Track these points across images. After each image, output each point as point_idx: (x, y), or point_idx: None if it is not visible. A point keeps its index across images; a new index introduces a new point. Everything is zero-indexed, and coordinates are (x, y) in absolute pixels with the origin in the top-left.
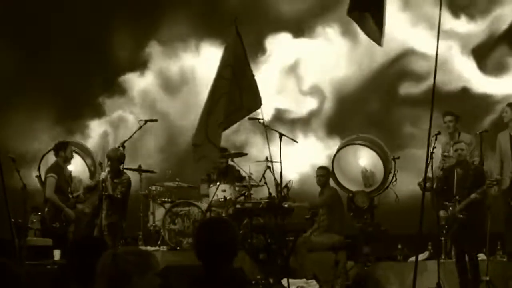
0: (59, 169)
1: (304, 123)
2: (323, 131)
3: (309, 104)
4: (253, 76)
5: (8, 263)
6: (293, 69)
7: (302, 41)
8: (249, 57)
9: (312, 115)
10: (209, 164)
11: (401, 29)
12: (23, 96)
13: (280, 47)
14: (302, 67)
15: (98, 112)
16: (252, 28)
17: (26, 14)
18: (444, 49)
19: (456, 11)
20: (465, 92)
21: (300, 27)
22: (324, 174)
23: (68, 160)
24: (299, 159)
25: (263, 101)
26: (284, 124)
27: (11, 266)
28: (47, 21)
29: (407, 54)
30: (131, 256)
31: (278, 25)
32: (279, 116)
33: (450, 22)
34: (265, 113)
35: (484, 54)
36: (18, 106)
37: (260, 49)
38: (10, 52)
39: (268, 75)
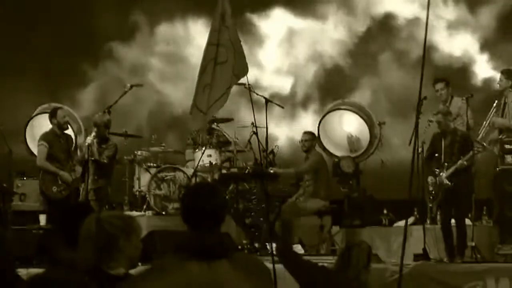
0: (51, 136)
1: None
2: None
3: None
4: (240, 41)
5: None
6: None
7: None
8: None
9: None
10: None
11: None
12: (8, 66)
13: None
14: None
15: (84, 80)
16: None
17: None
18: None
19: None
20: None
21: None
22: (309, 139)
23: (61, 126)
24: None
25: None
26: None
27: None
28: None
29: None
30: (116, 220)
31: None
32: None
33: None
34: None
35: None
36: (3, 76)
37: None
38: None
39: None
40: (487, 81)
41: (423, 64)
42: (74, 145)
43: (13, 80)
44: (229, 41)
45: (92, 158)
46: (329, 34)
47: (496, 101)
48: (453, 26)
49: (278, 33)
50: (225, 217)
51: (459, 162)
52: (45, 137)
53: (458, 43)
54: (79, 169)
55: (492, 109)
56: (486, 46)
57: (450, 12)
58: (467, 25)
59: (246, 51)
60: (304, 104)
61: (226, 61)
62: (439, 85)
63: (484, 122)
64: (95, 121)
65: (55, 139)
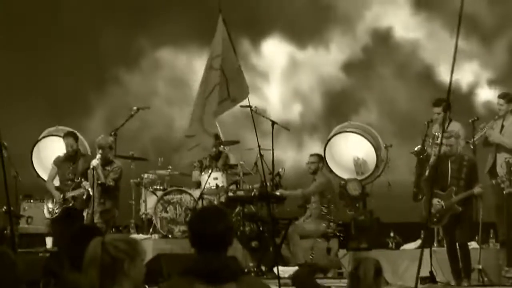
0: (58, 161)
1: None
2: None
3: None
4: (239, 66)
5: (6, 251)
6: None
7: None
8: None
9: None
10: (202, 152)
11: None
12: (14, 91)
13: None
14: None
15: (90, 105)
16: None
17: (14, 14)
18: None
19: None
20: None
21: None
22: (315, 161)
23: (67, 152)
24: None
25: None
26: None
27: (9, 254)
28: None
29: None
30: (121, 243)
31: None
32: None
33: None
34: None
35: None
36: (9, 101)
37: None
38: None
39: None
40: (489, 107)
41: (449, 95)
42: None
43: (19, 105)
44: (220, 67)
45: (99, 182)
46: (330, 58)
47: (496, 116)
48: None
49: (279, 63)
50: (232, 241)
51: (476, 190)
52: (54, 160)
53: (466, 72)
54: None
55: (492, 122)
56: (494, 76)
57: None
58: (477, 56)
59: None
60: (311, 130)
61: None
62: (437, 109)
63: (481, 130)
64: (99, 143)
65: (59, 163)
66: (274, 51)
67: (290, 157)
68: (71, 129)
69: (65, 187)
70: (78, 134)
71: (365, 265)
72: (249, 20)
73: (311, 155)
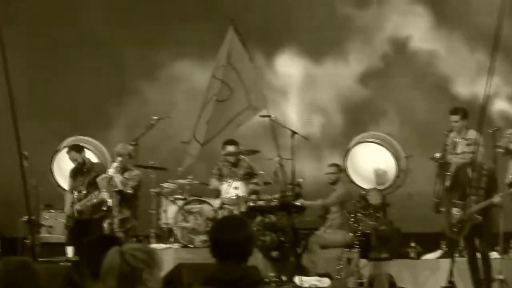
0: (72, 173)
1: None
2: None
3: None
4: (258, 75)
5: (29, 261)
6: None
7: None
8: None
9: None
10: (190, 160)
11: None
12: (34, 104)
13: None
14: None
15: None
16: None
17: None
18: None
19: None
20: None
21: None
22: (334, 171)
23: (75, 166)
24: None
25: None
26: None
27: (32, 264)
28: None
29: None
30: (139, 253)
31: None
32: None
33: None
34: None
35: None
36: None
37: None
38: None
39: None
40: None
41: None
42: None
43: (39, 115)
44: (237, 79)
45: (116, 189)
46: (349, 69)
47: None
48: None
49: (296, 76)
50: (253, 250)
51: (496, 199)
52: (70, 171)
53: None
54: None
55: None
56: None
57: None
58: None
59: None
60: (331, 143)
61: (227, 99)
62: (455, 117)
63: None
64: (118, 151)
65: (76, 174)
66: (290, 64)
67: (309, 168)
68: (73, 143)
69: (73, 199)
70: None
71: (380, 280)
72: (263, 34)
73: (330, 165)
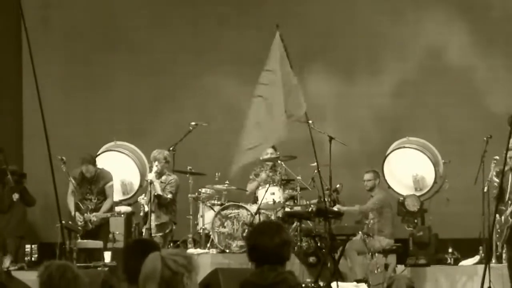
0: (78, 178)
1: None
2: None
3: None
4: (296, 82)
5: (70, 265)
6: None
7: None
8: None
9: None
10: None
11: None
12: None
13: None
14: None
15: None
16: None
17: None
18: None
19: None
20: None
21: None
22: (371, 178)
23: (83, 174)
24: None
25: None
26: None
27: (73, 268)
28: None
29: None
30: (179, 258)
31: None
32: None
33: None
34: None
35: None
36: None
37: None
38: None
39: None
40: None
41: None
42: (107, 182)
43: (77, 120)
44: (268, 82)
45: (155, 194)
46: (384, 83)
47: None
48: None
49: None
50: (290, 255)
51: None
52: (76, 176)
53: None
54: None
55: None
56: None
57: None
58: None
59: None
60: (369, 158)
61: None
62: None
63: None
64: (154, 156)
65: (83, 181)
66: (324, 81)
67: (347, 174)
68: (87, 154)
69: (83, 205)
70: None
71: (397, 284)
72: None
73: (367, 172)
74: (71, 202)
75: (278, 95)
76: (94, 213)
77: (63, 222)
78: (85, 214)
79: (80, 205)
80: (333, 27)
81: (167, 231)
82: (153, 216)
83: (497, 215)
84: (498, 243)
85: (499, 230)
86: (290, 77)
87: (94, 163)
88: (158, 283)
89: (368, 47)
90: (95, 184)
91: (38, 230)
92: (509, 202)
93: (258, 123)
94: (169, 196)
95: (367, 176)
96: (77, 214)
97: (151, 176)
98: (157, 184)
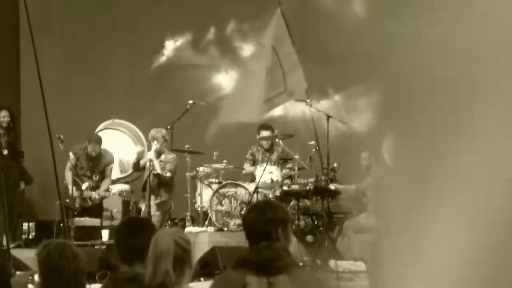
0: (78, 153)
1: None
2: None
3: None
4: (297, 59)
5: (69, 243)
6: None
7: None
8: None
9: None
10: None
11: None
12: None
13: None
14: None
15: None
16: None
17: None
18: None
19: None
20: None
21: None
22: (367, 157)
23: (88, 153)
24: None
25: None
26: None
27: (72, 246)
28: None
29: None
30: (183, 235)
31: None
32: None
33: None
34: None
35: None
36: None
37: None
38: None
39: None
40: None
41: None
42: (108, 164)
43: (76, 98)
44: (278, 62)
45: (154, 172)
46: None
47: None
48: None
49: None
50: (281, 234)
51: None
52: (76, 150)
53: None
54: (101, 190)
55: None
56: None
57: None
58: None
59: None
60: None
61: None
62: None
63: None
64: (153, 135)
65: (83, 156)
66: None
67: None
68: (96, 134)
69: (80, 181)
70: (135, 127)
71: None
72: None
73: (364, 152)
74: (68, 177)
75: (260, 74)
76: (97, 191)
77: (66, 200)
78: (85, 191)
79: (78, 181)
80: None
81: (166, 209)
82: (152, 195)
83: None
84: None
85: None
86: (292, 55)
87: (101, 143)
88: (171, 260)
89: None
90: (97, 163)
91: (36, 208)
92: None
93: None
94: (168, 174)
95: (363, 155)
96: (75, 189)
97: (150, 154)
98: (156, 163)
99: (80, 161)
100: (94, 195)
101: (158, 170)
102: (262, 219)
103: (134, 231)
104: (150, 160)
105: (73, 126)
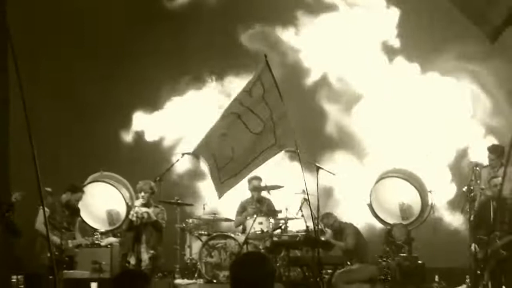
0: (56, 204)
1: None
2: None
3: None
4: (285, 111)
5: None
6: None
7: None
8: None
9: None
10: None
11: None
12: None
13: None
14: None
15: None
16: None
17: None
18: None
19: None
20: None
21: None
22: (333, 220)
23: (69, 204)
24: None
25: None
26: None
27: None
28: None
29: None
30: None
31: None
32: None
33: None
34: None
35: None
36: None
37: None
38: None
39: None
40: None
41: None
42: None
43: (64, 152)
44: (269, 115)
45: (150, 221)
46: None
47: None
48: None
49: None
50: (276, 284)
51: None
52: (49, 203)
53: None
54: (79, 238)
55: None
56: None
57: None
58: None
59: None
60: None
61: (261, 133)
62: (492, 156)
63: None
64: (141, 187)
65: (59, 208)
66: None
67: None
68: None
69: (60, 234)
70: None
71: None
72: None
73: (326, 215)
74: (44, 231)
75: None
76: (76, 241)
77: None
78: (66, 243)
79: (59, 233)
80: None
81: (159, 264)
82: (143, 248)
83: (474, 245)
84: (478, 272)
85: (484, 261)
86: (280, 107)
87: (83, 192)
88: None
89: None
90: (73, 215)
91: (24, 261)
92: (497, 233)
93: (223, 134)
94: (164, 225)
95: (330, 219)
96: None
97: (138, 203)
98: (151, 212)
99: (57, 215)
100: (70, 245)
101: (153, 217)
102: (257, 274)
103: (130, 284)
104: (146, 212)
105: (60, 179)
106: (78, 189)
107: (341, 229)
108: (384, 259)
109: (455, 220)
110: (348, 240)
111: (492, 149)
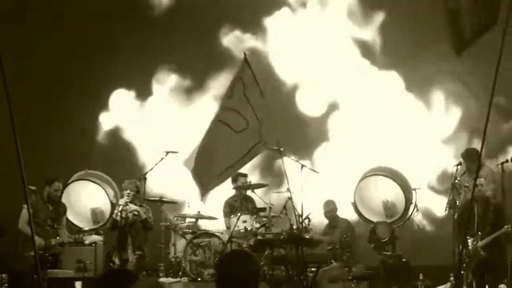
0: (38, 202)
1: None
2: None
3: None
4: (267, 110)
5: None
6: None
7: None
8: None
9: None
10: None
11: None
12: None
13: None
14: None
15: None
16: None
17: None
18: None
19: None
20: None
21: None
22: (331, 209)
23: (50, 196)
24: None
25: None
26: None
27: None
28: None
29: None
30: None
31: None
32: None
33: None
34: None
35: None
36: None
37: None
38: None
39: None
40: None
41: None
42: (65, 213)
43: (49, 149)
44: (253, 113)
45: (140, 219)
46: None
47: None
48: None
49: None
50: (258, 285)
51: (504, 229)
52: (30, 202)
53: None
54: (64, 236)
55: None
56: None
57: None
58: None
59: None
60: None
61: (244, 130)
62: (468, 163)
63: None
64: (126, 186)
65: (42, 205)
66: None
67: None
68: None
69: (44, 233)
70: (107, 176)
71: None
72: None
73: (326, 203)
74: (27, 230)
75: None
76: (59, 238)
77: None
78: (51, 241)
79: (44, 231)
80: None
81: (144, 262)
82: (129, 247)
83: (458, 244)
84: (462, 271)
85: (467, 260)
86: (262, 105)
87: (60, 181)
88: None
89: None
90: (58, 210)
91: (7, 259)
92: (479, 234)
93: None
94: (152, 222)
95: (328, 207)
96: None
97: (122, 202)
98: (140, 210)
99: (40, 212)
100: (53, 242)
101: (143, 216)
102: (243, 272)
103: (116, 284)
104: (136, 210)
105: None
106: (52, 180)
107: (334, 221)
108: None
109: (440, 218)
110: (335, 234)
111: (466, 156)
